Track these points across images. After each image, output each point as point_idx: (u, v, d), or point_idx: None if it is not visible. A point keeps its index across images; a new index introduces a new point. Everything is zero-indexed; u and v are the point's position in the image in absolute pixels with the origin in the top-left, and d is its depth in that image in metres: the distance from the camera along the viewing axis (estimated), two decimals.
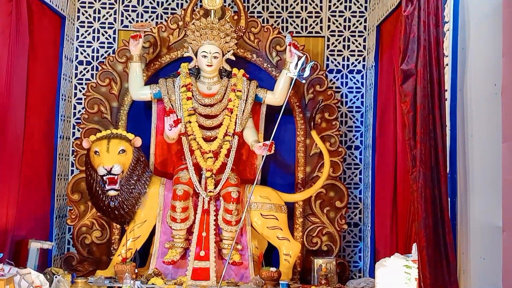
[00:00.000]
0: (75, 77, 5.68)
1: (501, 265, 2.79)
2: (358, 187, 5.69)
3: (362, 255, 5.59)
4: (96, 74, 5.44)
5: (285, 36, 5.21)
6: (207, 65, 4.99)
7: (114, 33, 5.74)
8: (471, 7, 3.30)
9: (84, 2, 5.69)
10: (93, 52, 5.71)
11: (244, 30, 5.30)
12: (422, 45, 3.26)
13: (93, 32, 5.72)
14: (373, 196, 5.30)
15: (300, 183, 5.30)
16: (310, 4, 5.80)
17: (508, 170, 2.77)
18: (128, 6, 5.75)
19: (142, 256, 5.03)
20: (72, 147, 5.51)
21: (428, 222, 3.12)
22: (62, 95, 5.43)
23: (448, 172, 3.26)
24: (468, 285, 3.20)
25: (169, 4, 5.80)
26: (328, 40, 5.78)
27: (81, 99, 5.59)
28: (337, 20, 5.78)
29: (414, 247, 3.62)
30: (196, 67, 5.09)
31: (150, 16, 5.77)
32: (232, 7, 5.50)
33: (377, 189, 5.24)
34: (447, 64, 3.41)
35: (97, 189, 4.79)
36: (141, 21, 5.68)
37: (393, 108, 4.70)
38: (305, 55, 4.89)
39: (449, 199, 3.25)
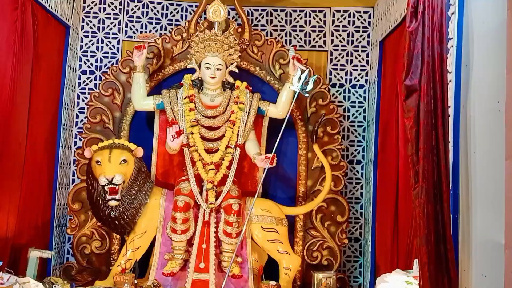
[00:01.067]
0: (78, 87, 5.69)
1: (503, 283, 2.78)
2: (359, 201, 5.68)
3: (363, 270, 5.58)
4: (99, 84, 5.46)
5: (288, 50, 5.25)
6: (210, 77, 5.00)
7: (118, 43, 5.77)
8: (475, 24, 3.31)
9: (89, 12, 5.73)
10: (96, 62, 5.73)
11: (247, 43, 5.32)
12: (426, 61, 3.26)
13: (97, 42, 5.75)
14: (375, 211, 5.29)
15: (301, 196, 5.29)
16: (314, 19, 5.83)
17: (511, 187, 2.76)
18: (132, 16, 5.78)
19: (142, 267, 5.02)
20: (74, 156, 5.51)
21: (430, 238, 3.11)
22: (65, 105, 5.44)
23: (450, 188, 3.25)
24: None
25: (173, 15, 5.83)
26: (331, 55, 5.81)
27: (83, 108, 5.61)
28: (340, 35, 5.81)
29: (415, 263, 3.61)
30: (199, 78, 5.10)
31: (154, 27, 5.80)
32: (236, 20, 5.53)
33: (378, 204, 5.23)
34: (450, 81, 3.41)
35: (98, 198, 4.78)
36: (145, 32, 5.71)
37: (395, 123, 4.71)
38: (308, 69, 4.90)
39: (451, 215, 3.24)
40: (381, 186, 5.18)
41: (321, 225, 5.25)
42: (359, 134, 5.75)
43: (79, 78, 5.70)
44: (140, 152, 4.87)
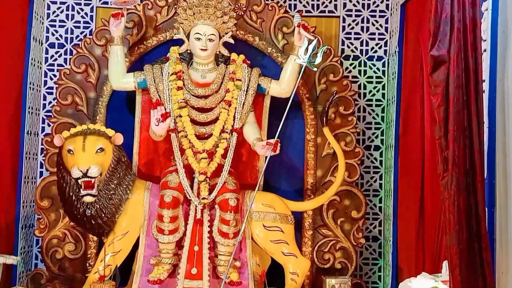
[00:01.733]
0: (45, 63, 5.68)
1: None
2: (378, 194, 5.69)
3: (383, 274, 5.60)
4: (70, 59, 5.44)
5: (293, 16, 5.22)
6: (201, 49, 4.98)
7: (92, 10, 5.74)
8: None
9: None
10: (66, 33, 5.71)
11: (245, 9, 5.30)
12: (456, 27, 3.26)
13: (67, 10, 5.71)
14: (396, 205, 5.30)
15: (310, 189, 5.30)
16: None
17: None
18: None
19: (123, 273, 5.03)
20: (42, 144, 5.50)
21: (462, 236, 3.12)
22: (30, 84, 5.42)
23: (485, 177, 3.26)
24: None
25: None
26: (344, 21, 5.79)
27: (52, 88, 5.60)
28: None
29: (445, 265, 3.62)
30: (189, 51, 5.09)
31: None
32: None
33: (400, 197, 5.24)
34: (485, 50, 3.41)
35: (71, 194, 4.78)
36: None
37: (420, 101, 4.70)
38: (316, 38, 4.89)
39: (486, 209, 3.25)
40: (403, 176, 5.19)
41: (334, 222, 5.26)
42: (377, 115, 5.74)
43: (46, 53, 5.68)
44: (119, 139, 4.86)
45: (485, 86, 3.38)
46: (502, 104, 3.35)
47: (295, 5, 5.78)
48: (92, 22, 5.72)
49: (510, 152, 3.28)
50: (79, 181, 4.67)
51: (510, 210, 3.25)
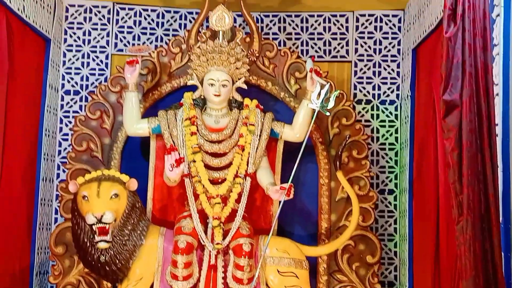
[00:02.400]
0: (61, 109, 5.74)
1: None
2: (393, 239, 5.65)
3: None
4: (85, 105, 5.49)
5: (305, 61, 5.25)
6: (215, 95, 5.01)
7: (107, 58, 5.82)
8: None
9: (72, 23, 5.79)
10: (82, 80, 5.78)
11: (257, 54, 5.34)
12: (468, 71, 3.27)
13: (82, 57, 5.80)
14: (411, 249, 5.26)
15: (324, 233, 5.27)
16: (335, 25, 5.87)
17: None
18: (123, 27, 5.83)
19: None
20: (57, 191, 5.52)
21: (479, 281, 3.09)
22: (46, 130, 5.47)
23: (501, 221, 3.24)
24: None
25: (171, 25, 5.88)
26: (356, 66, 5.83)
27: (67, 134, 5.64)
28: (365, 43, 5.84)
29: None
30: (202, 97, 5.11)
31: (148, 39, 5.85)
32: (243, 28, 5.57)
33: (415, 242, 5.20)
34: (497, 94, 3.41)
35: (85, 240, 4.77)
36: (138, 44, 5.75)
37: (433, 145, 4.69)
38: (329, 83, 4.89)
39: (502, 253, 3.21)
40: (418, 220, 5.16)
41: (349, 267, 5.22)
42: (390, 158, 5.73)
43: (62, 100, 5.74)
44: (134, 184, 4.86)
45: (498, 130, 3.37)
46: None
47: (307, 51, 5.84)
48: (107, 69, 5.79)
49: None
50: (94, 227, 4.66)
51: None
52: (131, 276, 4.92)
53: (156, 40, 5.84)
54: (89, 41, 5.81)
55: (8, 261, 4.94)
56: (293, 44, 5.85)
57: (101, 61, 5.81)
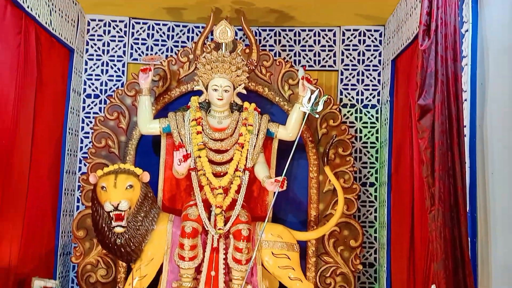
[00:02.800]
0: (83, 111, 5.73)
1: None
2: (373, 225, 5.65)
3: None
4: (104, 107, 5.49)
5: (297, 70, 5.25)
6: (218, 99, 5.00)
7: (123, 66, 5.81)
8: (490, 41, 3.31)
9: (93, 35, 5.78)
10: (101, 85, 5.77)
11: (255, 64, 5.32)
12: (440, 80, 3.27)
13: (102, 65, 5.79)
14: (389, 235, 5.26)
15: (313, 221, 5.27)
16: (323, 38, 5.86)
17: None
18: (137, 39, 5.82)
19: None
20: (78, 182, 5.53)
21: (448, 263, 3.08)
22: (69, 129, 5.46)
23: (468, 211, 3.24)
24: None
25: (180, 37, 5.87)
26: (342, 74, 5.82)
27: (88, 133, 5.64)
28: (350, 54, 5.83)
29: None
30: (207, 100, 5.10)
31: (160, 49, 5.84)
32: (243, 40, 5.56)
33: (393, 228, 5.20)
34: (465, 99, 3.40)
35: (103, 225, 4.77)
36: (151, 54, 5.74)
37: (409, 144, 4.69)
38: (318, 89, 4.91)
39: (469, 239, 3.22)
40: (395, 209, 5.16)
41: (334, 250, 5.22)
42: (371, 155, 5.73)
43: (84, 102, 5.73)
44: (146, 177, 4.86)
45: (466, 131, 3.37)
46: (482, 147, 3.34)
47: (299, 61, 5.83)
48: (124, 76, 5.78)
49: (489, 189, 3.26)
50: (111, 214, 4.66)
51: (490, 240, 3.22)
52: (144, 257, 4.92)
53: (167, 51, 5.83)
54: (108, 51, 5.79)
55: (36, 244, 4.93)
56: (287, 55, 5.84)
57: (118, 69, 5.80)
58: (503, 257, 3.08)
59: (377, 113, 5.75)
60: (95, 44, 5.78)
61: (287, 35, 5.88)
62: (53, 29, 4.97)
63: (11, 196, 4.41)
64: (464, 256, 3.10)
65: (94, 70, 5.78)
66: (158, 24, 5.85)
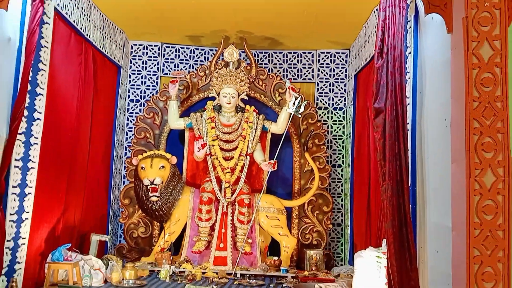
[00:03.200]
0: (127, 111, 5.72)
1: (450, 257, 2.76)
2: (340, 196, 5.66)
3: (343, 248, 5.55)
4: (143, 109, 5.49)
5: (285, 82, 5.26)
6: (227, 103, 5.01)
7: (157, 78, 5.79)
8: (427, 60, 3.31)
9: (135, 55, 5.76)
10: (141, 92, 5.76)
11: (254, 77, 5.33)
12: (390, 89, 3.25)
13: (141, 78, 5.78)
14: (352, 203, 5.27)
15: (296, 192, 5.28)
16: (304, 58, 5.85)
17: (455, 183, 2.75)
18: (167, 59, 5.81)
19: (176, 247, 5.02)
20: (124, 164, 5.53)
21: (395, 223, 3.08)
22: (117, 125, 5.46)
23: (410, 185, 3.24)
24: (425, 272, 3.16)
25: (199, 57, 5.86)
26: (318, 85, 5.82)
27: (131, 128, 5.63)
28: (324, 70, 5.82)
29: (384, 242, 3.58)
30: (218, 104, 5.11)
31: (184, 66, 5.83)
32: (245, 60, 5.55)
33: (354, 198, 5.21)
34: (408, 104, 3.40)
35: (143, 195, 4.79)
36: (178, 70, 5.73)
37: (367, 136, 4.70)
38: (300, 96, 4.91)
39: (410, 206, 3.22)
40: (356, 184, 5.17)
41: (312, 214, 5.23)
42: (339, 145, 5.74)
43: (128, 105, 5.73)
44: (174, 160, 4.88)
45: (409, 127, 3.37)
46: (420, 139, 3.34)
47: (286, 75, 5.82)
48: (157, 86, 5.77)
49: (425, 169, 3.26)
50: (148, 187, 4.68)
51: (426, 206, 3.23)
52: (172, 218, 4.94)
53: (189, 68, 5.82)
54: (145, 67, 5.78)
55: (95, 209, 4.96)
56: (277, 71, 5.83)
57: (153, 81, 5.79)
58: (434, 218, 3.09)
59: (343, 114, 5.75)
60: (136, 62, 5.77)
61: (277, 56, 5.87)
62: (105, 51, 4.97)
63: (76, 175, 4.42)
64: (406, 218, 3.10)
65: (135, 81, 5.77)
66: (183, 48, 5.84)
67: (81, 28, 4.34)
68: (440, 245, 2.99)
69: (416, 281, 3.03)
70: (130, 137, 5.63)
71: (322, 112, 5.76)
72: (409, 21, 3.44)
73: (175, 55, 5.84)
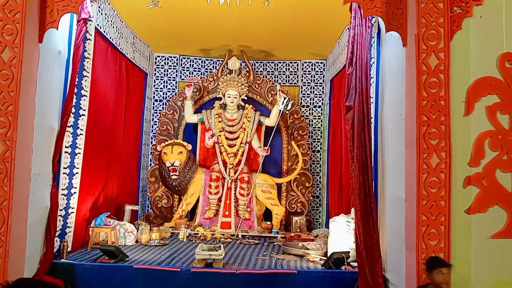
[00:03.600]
0: (153, 109, 5.69)
1: (404, 221, 2.78)
2: (319, 174, 5.67)
3: (321, 214, 5.58)
4: (165, 107, 5.46)
5: (276, 85, 5.24)
6: (231, 102, 5.00)
7: (176, 83, 5.76)
8: (387, 68, 3.30)
9: (158, 65, 5.72)
10: (163, 94, 5.73)
11: (252, 82, 5.31)
12: (358, 91, 3.24)
13: (163, 83, 5.74)
14: (328, 179, 5.28)
15: (285, 172, 5.28)
16: (291, 67, 5.82)
17: (409, 164, 2.76)
18: (184, 67, 5.77)
19: (191, 214, 5.03)
20: (151, 149, 5.51)
21: (361, 195, 3.10)
22: (145, 119, 5.43)
23: (372, 165, 3.25)
24: (384, 233, 3.18)
25: (208, 66, 5.82)
26: (302, 88, 5.80)
27: (156, 122, 5.61)
28: (307, 76, 5.79)
29: (352, 210, 3.60)
30: (224, 103, 5.09)
31: (197, 73, 5.79)
32: (245, 68, 5.52)
33: (330, 175, 5.22)
34: (372, 102, 3.40)
35: (165, 175, 4.79)
36: (192, 76, 5.70)
37: (340, 128, 4.70)
38: (288, 97, 4.90)
39: (373, 181, 3.24)
40: (332, 165, 5.18)
41: (297, 188, 5.25)
42: (318, 134, 5.73)
43: (153, 104, 5.70)
44: (189, 147, 4.88)
45: (372, 120, 3.36)
46: (381, 130, 3.34)
47: (277, 80, 5.79)
48: (176, 88, 5.74)
49: (385, 153, 3.26)
50: (169, 168, 4.68)
51: (385, 182, 3.24)
52: (189, 192, 4.94)
53: (201, 74, 5.78)
54: (167, 74, 5.74)
55: (128, 185, 4.96)
56: (270, 76, 5.80)
57: (173, 85, 5.75)
58: (392, 191, 3.10)
59: (321, 110, 5.74)
60: (159, 70, 5.73)
61: (270, 65, 5.83)
62: (135, 61, 4.93)
63: (113, 158, 4.42)
64: (370, 191, 3.11)
65: (159, 85, 5.73)
66: (196, 59, 5.79)
67: (116, 43, 4.31)
68: (396, 212, 3.00)
69: (377, 240, 3.05)
70: (155, 129, 5.61)
71: (305, 109, 5.75)
72: (373, 37, 3.42)
73: (190, 65, 5.80)
